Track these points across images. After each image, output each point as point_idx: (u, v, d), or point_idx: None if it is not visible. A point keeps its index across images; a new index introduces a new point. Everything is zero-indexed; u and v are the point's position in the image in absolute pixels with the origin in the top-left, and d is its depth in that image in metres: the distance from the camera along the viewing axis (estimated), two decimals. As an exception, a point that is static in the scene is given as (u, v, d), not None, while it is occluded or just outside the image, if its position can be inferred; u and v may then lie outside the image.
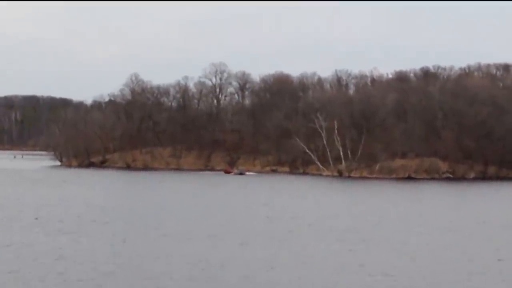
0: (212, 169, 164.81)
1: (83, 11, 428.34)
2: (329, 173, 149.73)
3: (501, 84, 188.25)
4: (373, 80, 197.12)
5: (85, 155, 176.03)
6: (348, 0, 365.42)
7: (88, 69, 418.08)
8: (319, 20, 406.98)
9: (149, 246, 46.51)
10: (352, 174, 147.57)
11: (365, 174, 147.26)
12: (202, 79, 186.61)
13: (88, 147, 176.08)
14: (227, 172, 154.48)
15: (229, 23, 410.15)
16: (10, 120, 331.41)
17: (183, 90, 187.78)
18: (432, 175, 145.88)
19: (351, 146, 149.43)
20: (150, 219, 62.36)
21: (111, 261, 40.48)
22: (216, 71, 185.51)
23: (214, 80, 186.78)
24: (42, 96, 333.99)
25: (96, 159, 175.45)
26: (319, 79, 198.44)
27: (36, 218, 60.16)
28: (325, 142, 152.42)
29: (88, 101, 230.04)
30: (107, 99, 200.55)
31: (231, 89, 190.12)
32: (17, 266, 38.42)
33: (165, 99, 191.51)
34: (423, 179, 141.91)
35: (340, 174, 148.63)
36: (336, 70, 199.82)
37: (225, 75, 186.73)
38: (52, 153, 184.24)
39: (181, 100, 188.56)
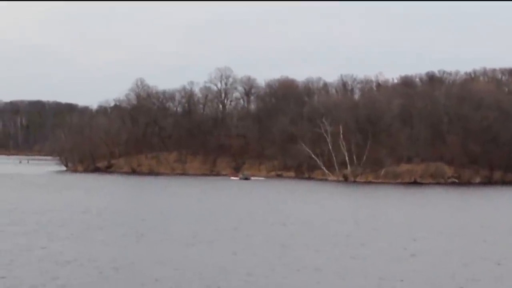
0: (218, 174, 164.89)
1: (87, 17, 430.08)
2: (335, 178, 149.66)
3: (506, 89, 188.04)
4: (378, 85, 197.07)
5: (90, 160, 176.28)
6: (354, 1, 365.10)
7: (93, 75, 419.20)
8: (324, 25, 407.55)
9: (151, 251, 46.42)
10: (357, 179, 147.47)
11: (370, 179, 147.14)
12: (208, 84, 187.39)
13: (94, 152, 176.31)
14: (232, 177, 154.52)
15: (233, 28, 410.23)
16: (15, 125, 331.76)
17: (189, 95, 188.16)
18: (438, 180, 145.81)
19: (356, 151, 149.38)
20: (154, 223, 62.28)
21: (113, 265, 40.40)
22: (222, 76, 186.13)
23: (219, 85, 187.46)
24: (48, 101, 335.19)
25: (101, 164, 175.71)
26: (325, 84, 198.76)
27: (39, 223, 60.13)
28: (330, 147, 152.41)
29: (94, 106, 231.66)
30: (112, 104, 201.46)
31: (236, 94, 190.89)
32: (18, 271, 38.33)
33: (171, 104, 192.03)
34: (429, 183, 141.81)
35: (346, 179, 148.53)
36: (341, 75, 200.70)
37: (231, 80, 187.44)
38: (58, 158, 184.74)
39: (186, 105, 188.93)
